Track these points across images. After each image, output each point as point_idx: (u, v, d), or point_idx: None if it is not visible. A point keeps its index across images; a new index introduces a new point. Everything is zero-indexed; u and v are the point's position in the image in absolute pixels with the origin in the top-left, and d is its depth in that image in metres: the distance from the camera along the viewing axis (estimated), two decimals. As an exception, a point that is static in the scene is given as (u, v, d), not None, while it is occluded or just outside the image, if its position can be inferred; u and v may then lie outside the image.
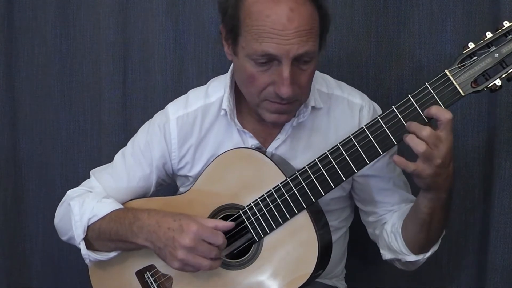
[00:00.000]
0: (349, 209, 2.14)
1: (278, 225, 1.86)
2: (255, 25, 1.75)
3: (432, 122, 1.72)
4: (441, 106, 1.71)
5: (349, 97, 2.02)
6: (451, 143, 1.70)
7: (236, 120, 1.98)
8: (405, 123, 1.72)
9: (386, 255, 2.01)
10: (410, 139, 1.69)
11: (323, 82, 2.02)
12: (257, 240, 1.89)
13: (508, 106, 2.17)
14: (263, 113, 1.88)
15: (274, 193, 1.86)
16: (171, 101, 2.12)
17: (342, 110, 2.01)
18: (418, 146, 1.68)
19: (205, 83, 2.11)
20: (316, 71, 1.92)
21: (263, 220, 1.87)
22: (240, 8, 1.79)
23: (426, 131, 1.68)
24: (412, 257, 1.96)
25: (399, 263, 2.02)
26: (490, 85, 1.69)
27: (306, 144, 1.99)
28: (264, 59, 1.77)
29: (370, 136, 1.76)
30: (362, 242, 2.25)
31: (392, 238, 1.98)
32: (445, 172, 1.73)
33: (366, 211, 2.08)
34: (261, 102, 1.85)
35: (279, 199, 1.85)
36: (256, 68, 1.80)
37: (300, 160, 1.93)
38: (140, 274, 2.02)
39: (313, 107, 1.96)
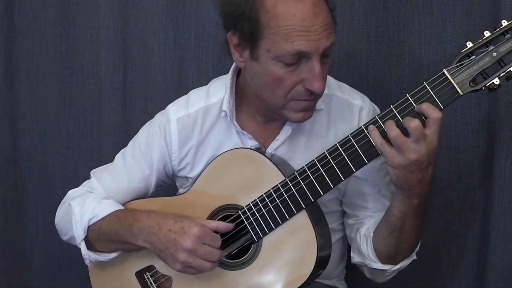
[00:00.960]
0: (349, 210, 2.14)
1: (277, 225, 1.86)
2: (283, 25, 1.75)
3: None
4: (439, 104, 1.71)
5: (349, 98, 2.02)
6: (434, 146, 1.70)
7: (235, 122, 1.98)
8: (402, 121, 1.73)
9: (355, 258, 2.01)
10: (388, 124, 1.72)
11: None
12: (256, 240, 1.88)
13: (508, 106, 2.17)
14: (288, 113, 1.87)
15: (273, 193, 1.86)
16: (171, 101, 2.11)
17: (342, 111, 2.00)
18: (391, 130, 1.70)
19: (205, 83, 2.11)
20: None
21: (262, 220, 1.87)
22: (259, 12, 1.77)
23: (415, 123, 1.68)
24: (378, 265, 1.95)
25: (367, 269, 2.01)
26: (488, 84, 1.69)
27: (305, 145, 1.98)
28: (294, 58, 1.77)
29: (369, 136, 1.75)
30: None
31: (363, 241, 1.98)
32: (419, 173, 1.72)
33: (347, 213, 2.08)
34: (288, 103, 1.84)
35: (278, 199, 1.85)
36: (284, 69, 1.79)
37: (300, 161, 1.92)
38: (139, 274, 2.02)
39: (314, 108, 1.96)
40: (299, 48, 1.75)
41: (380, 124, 1.74)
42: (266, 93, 1.86)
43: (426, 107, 1.70)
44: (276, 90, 1.83)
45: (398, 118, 1.73)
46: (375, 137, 1.74)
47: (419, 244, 1.96)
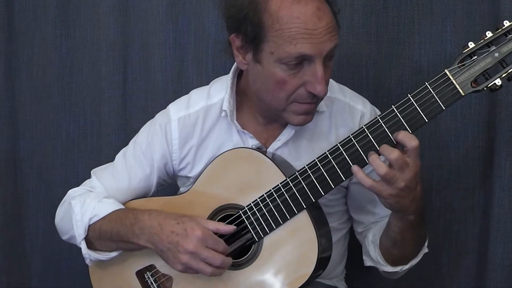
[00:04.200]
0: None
1: (278, 225, 1.86)
2: (286, 28, 1.75)
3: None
4: (440, 105, 1.71)
5: (351, 102, 2.03)
6: (417, 168, 1.71)
7: (236, 122, 1.98)
8: (405, 122, 1.72)
9: (367, 261, 2.04)
10: (373, 160, 1.71)
11: None
12: (257, 240, 1.88)
13: (508, 106, 2.17)
14: (289, 116, 1.87)
15: (274, 193, 1.85)
16: (171, 101, 2.12)
17: (343, 115, 2.01)
18: (379, 168, 1.69)
19: (205, 83, 2.11)
20: None
21: (263, 220, 1.87)
22: (263, 14, 1.78)
23: (394, 154, 1.68)
24: (388, 268, 1.98)
25: (380, 271, 2.04)
26: (490, 85, 1.69)
27: (307, 147, 1.99)
28: (297, 61, 1.77)
29: (370, 136, 1.75)
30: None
31: (371, 247, 2.00)
32: (409, 195, 1.74)
33: (355, 220, 2.10)
34: (289, 105, 1.85)
35: (279, 199, 1.85)
36: (287, 72, 1.79)
37: (301, 162, 1.92)
38: (140, 274, 2.02)
39: (316, 111, 1.96)
40: (302, 51, 1.75)
41: (381, 124, 1.74)
42: (268, 96, 1.86)
43: (402, 137, 1.70)
44: (278, 92, 1.83)
45: (400, 118, 1.73)
46: (363, 179, 1.73)
47: (426, 241, 1.98)
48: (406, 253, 1.94)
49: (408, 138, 1.69)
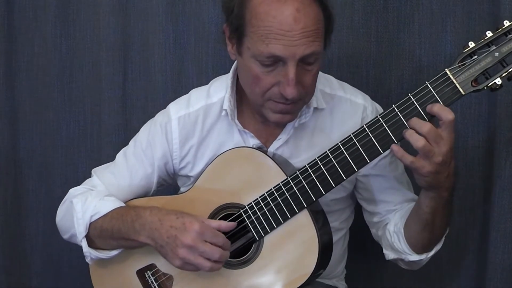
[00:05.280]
0: (350, 210, 2.14)
1: (278, 224, 1.86)
2: (261, 25, 1.75)
3: (434, 120, 1.72)
4: (441, 104, 1.71)
5: (352, 97, 2.03)
6: (452, 142, 1.70)
7: (237, 121, 1.98)
8: (406, 122, 1.73)
9: (390, 255, 2.01)
10: (410, 135, 1.70)
11: (326, 83, 2.02)
12: (257, 239, 1.89)
13: (508, 106, 2.17)
14: (267, 113, 1.88)
15: (274, 192, 1.86)
16: (171, 101, 2.12)
17: (345, 110, 2.01)
18: (417, 142, 1.68)
19: (205, 83, 2.12)
20: (320, 72, 1.92)
21: (263, 219, 1.87)
22: (245, 8, 1.78)
23: (426, 127, 1.68)
24: (415, 257, 1.96)
25: (403, 263, 2.01)
26: (490, 84, 1.70)
27: (308, 145, 1.99)
28: (270, 61, 1.77)
29: (371, 135, 1.76)
30: (362, 243, 2.26)
31: (394, 238, 1.98)
32: (446, 170, 1.73)
33: (369, 211, 2.08)
34: (265, 102, 1.85)
35: (279, 198, 1.85)
36: (261, 68, 1.79)
37: (302, 160, 1.93)
38: (140, 273, 2.02)
39: (316, 108, 1.96)
40: (273, 51, 1.75)
41: (382, 123, 1.74)
42: (247, 89, 1.89)
43: (438, 109, 1.69)
44: (254, 87, 1.84)
45: (400, 118, 1.73)
46: (404, 156, 1.72)
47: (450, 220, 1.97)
48: (435, 235, 1.92)
49: (444, 111, 1.69)
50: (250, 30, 1.78)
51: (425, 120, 1.72)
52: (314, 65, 1.81)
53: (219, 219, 1.92)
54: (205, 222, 1.85)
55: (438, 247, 1.97)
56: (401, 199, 2.01)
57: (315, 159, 1.82)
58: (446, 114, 1.68)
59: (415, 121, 1.71)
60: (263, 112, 1.89)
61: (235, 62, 1.96)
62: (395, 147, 1.73)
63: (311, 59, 1.79)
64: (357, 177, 2.03)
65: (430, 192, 1.80)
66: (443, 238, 1.97)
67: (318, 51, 1.78)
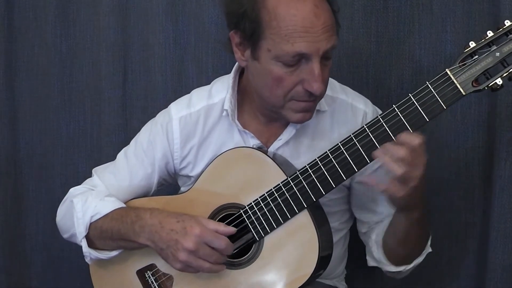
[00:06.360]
0: (350, 211, 2.14)
1: (278, 224, 1.86)
2: (283, 26, 1.75)
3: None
4: (441, 104, 1.71)
5: (353, 102, 2.03)
6: (425, 165, 1.71)
7: (237, 121, 1.98)
8: (406, 122, 1.73)
9: (370, 262, 2.05)
10: (387, 162, 1.70)
11: (328, 85, 2.02)
12: (257, 239, 1.89)
13: (508, 106, 2.17)
14: (287, 113, 1.87)
15: (274, 192, 1.86)
16: (171, 101, 2.12)
17: (345, 114, 2.01)
18: (397, 169, 1.69)
19: (205, 83, 2.11)
20: None
21: (263, 220, 1.87)
22: (261, 12, 1.78)
23: (401, 152, 1.69)
24: (392, 268, 1.99)
25: (384, 271, 2.04)
26: (491, 84, 1.70)
27: (309, 146, 1.99)
28: (294, 60, 1.77)
29: (371, 136, 1.76)
30: (362, 243, 2.25)
31: (374, 247, 2.01)
32: (419, 191, 1.75)
33: (359, 219, 2.10)
34: (287, 102, 1.84)
35: (279, 198, 1.85)
36: (284, 69, 1.79)
37: (303, 161, 1.92)
38: (141, 273, 2.02)
39: (317, 110, 1.96)
40: (299, 49, 1.75)
41: (382, 123, 1.74)
42: (266, 93, 1.87)
43: (404, 138, 1.70)
44: (275, 90, 1.83)
45: (401, 118, 1.73)
46: (380, 185, 1.74)
47: (429, 239, 1.99)
48: (410, 252, 1.95)
49: (410, 137, 1.70)
50: (270, 32, 1.77)
51: (427, 121, 1.72)
52: (330, 59, 1.83)
53: (219, 219, 1.92)
54: (206, 224, 1.85)
55: (417, 261, 1.98)
56: (388, 212, 1.99)
57: (315, 159, 1.82)
58: (412, 139, 1.69)
59: (388, 147, 1.71)
60: (283, 114, 1.88)
61: (237, 63, 1.96)
62: (366, 179, 1.80)
63: (329, 54, 1.80)
64: (352, 184, 2.03)
65: (403, 213, 1.83)
66: (424, 254, 1.99)
67: (336, 45, 1.81)
